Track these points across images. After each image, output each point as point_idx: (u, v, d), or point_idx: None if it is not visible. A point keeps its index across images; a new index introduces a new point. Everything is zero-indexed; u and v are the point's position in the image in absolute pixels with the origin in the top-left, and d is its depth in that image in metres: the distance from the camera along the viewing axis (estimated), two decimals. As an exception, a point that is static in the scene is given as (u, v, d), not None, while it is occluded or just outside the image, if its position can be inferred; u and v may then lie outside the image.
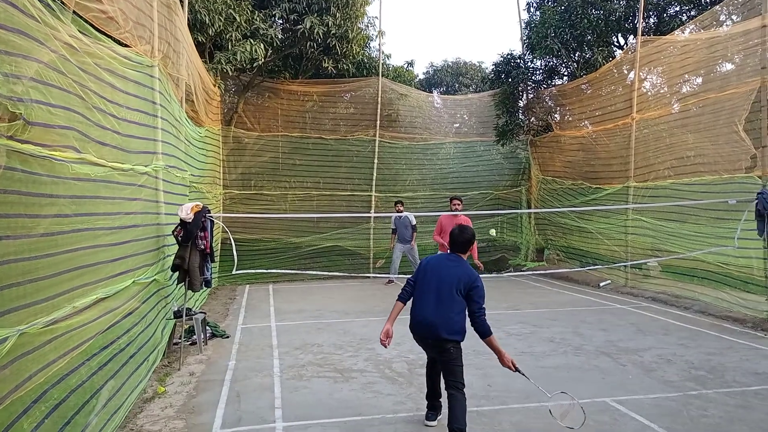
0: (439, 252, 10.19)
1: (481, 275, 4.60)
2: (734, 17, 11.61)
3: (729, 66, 10.97)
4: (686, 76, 11.69)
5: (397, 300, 4.66)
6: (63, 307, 3.81)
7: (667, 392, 5.44)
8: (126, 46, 5.63)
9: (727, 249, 8.95)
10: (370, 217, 14.67)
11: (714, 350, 6.95)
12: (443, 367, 4.46)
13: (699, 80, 11.72)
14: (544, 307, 10.12)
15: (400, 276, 13.06)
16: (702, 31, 11.38)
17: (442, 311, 4.35)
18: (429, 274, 4.54)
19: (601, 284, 12.29)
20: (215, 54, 12.10)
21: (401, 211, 12.76)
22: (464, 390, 4.36)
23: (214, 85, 12.31)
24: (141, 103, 6.03)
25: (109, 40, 5.14)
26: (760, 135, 8.69)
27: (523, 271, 15.02)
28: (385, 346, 4.54)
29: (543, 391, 4.51)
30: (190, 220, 6.55)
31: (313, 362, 6.64)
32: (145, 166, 5.99)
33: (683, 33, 12.17)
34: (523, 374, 4.45)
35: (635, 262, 11.65)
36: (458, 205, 10.22)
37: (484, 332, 4.32)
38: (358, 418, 4.88)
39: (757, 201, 8.09)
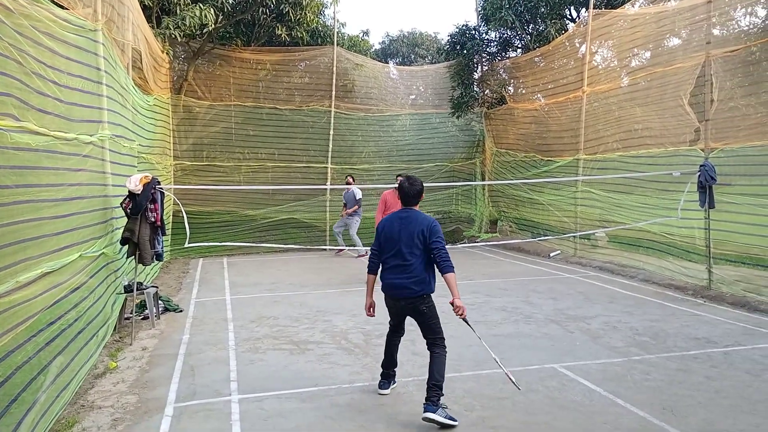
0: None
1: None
2: (683, -10, 11.90)
3: (676, 41, 11.27)
4: (635, 50, 11.96)
5: (367, 273, 4.71)
6: (6, 281, 3.67)
7: (613, 358, 5.67)
8: (65, 9, 5.34)
9: (671, 219, 9.31)
10: (326, 189, 14.57)
11: (657, 317, 7.26)
12: (422, 328, 4.52)
13: (647, 54, 12.01)
14: (496, 277, 10.34)
15: (343, 248, 13.22)
16: (651, 5, 11.62)
17: (410, 270, 4.40)
18: (388, 235, 4.54)
19: (552, 254, 12.63)
20: (163, 19, 11.65)
21: (350, 184, 12.83)
22: (444, 344, 4.46)
23: (163, 52, 11.86)
24: (84, 70, 5.77)
25: (48, 2, 4.86)
26: (703, 109, 8.99)
27: (477, 242, 15.28)
28: (372, 316, 4.76)
29: (487, 348, 4.63)
30: (139, 192, 6.37)
31: (268, 335, 6.62)
32: (90, 136, 5.76)
33: (633, 7, 12.40)
34: (470, 326, 4.53)
35: (584, 233, 12.01)
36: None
37: (445, 268, 4.34)
38: (314, 389, 4.91)
39: (699, 173, 8.41)
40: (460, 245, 14.86)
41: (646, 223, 9.99)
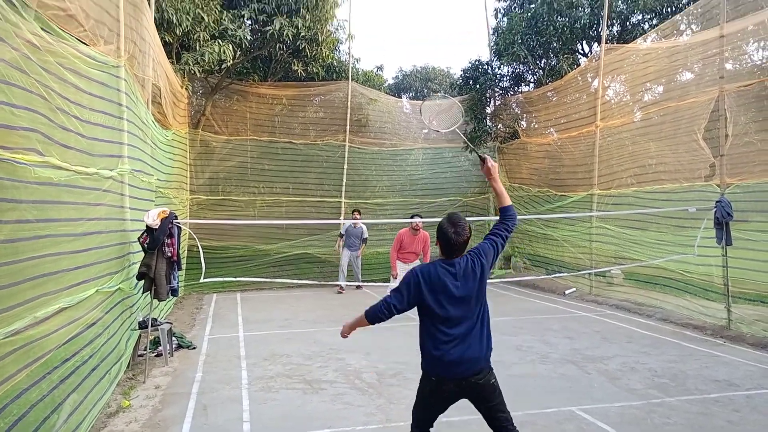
0: (404, 264, 10.11)
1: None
2: (694, 27, 11.98)
3: (689, 75, 11.29)
4: (648, 84, 11.99)
5: (365, 317, 3.70)
6: (24, 317, 3.69)
7: (632, 400, 5.54)
8: (88, 45, 5.48)
9: (688, 257, 9.19)
10: (339, 224, 14.61)
11: (675, 358, 7.12)
12: (490, 411, 3.57)
13: (660, 89, 12.04)
14: (511, 315, 10.23)
15: (348, 284, 13.13)
16: (663, 40, 11.70)
17: (474, 342, 3.59)
18: (439, 293, 3.53)
19: (567, 292, 12.49)
20: (182, 55, 11.91)
21: (357, 219, 12.78)
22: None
23: (182, 87, 12.11)
24: (106, 105, 5.88)
25: (73, 39, 4.99)
26: (718, 144, 8.94)
27: (491, 278, 15.14)
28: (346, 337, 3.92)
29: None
30: (157, 227, 6.42)
31: (281, 373, 6.56)
32: (110, 170, 5.84)
33: (645, 42, 12.50)
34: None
35: (599, 270, 11.88)
36: (419, 225, 10.12)
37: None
38: (329, 431, 4.83)
39: (715, 209, 8.33)
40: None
41: (662, 260, 9.87)
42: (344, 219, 14.67)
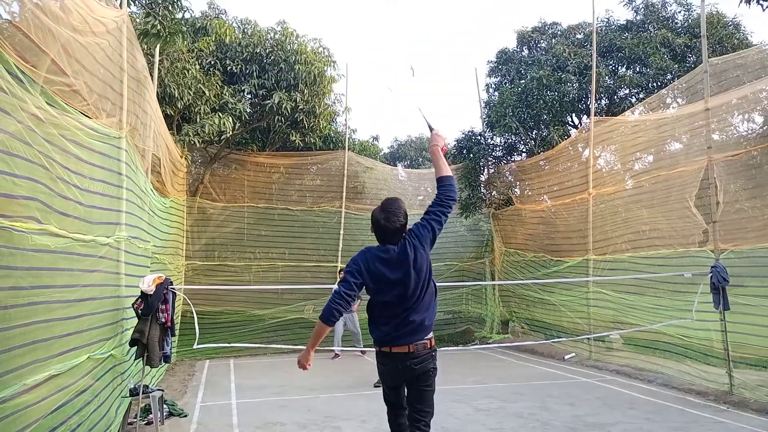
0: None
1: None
2: (680, 100, 12.39)
3: (677, 145, 11.58)
4: (638, 154, 12.28)
5: (320, 321, 3.79)
6: (13, 384, 3.62)
7: (637, 469, 5.38)
8: (90, 118, 5.64)
9: (686, 321, 9.14)
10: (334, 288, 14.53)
11: (679, 424, 6.95)
12: (416, 396, 3.74)
13: (650, 158, 12.31)
14: (510, 381, 10.03)
15: (344, 349, 12.94)
16: (650, 112, 12.08)
17: (420, 319, 3.67)
18: (378, 275, 3.71)
19: (566, 357, 12.31)
20: (183, 126, 12.22)
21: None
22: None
23: (181, 157, 12.35)
24: (106, 174, 5.99)
25: (77, 112, 5.15)
26: (710, 211, 9.08)
27: (489, 343, 14.96)
28: (306, 369, 4.08)
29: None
30: (152, 293, 6.40)
31: (275, 442, 6.37)
32: (108, 237, 5.88)
33: (633, 114, 12.89)
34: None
35: (598, 335, 11.76)
36: None
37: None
38: None
39: (711, 274, 8.36)
40: (471, 346, 14.55)
41: (660, 325, 9.80)
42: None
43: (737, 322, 8.41)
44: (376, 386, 9.03)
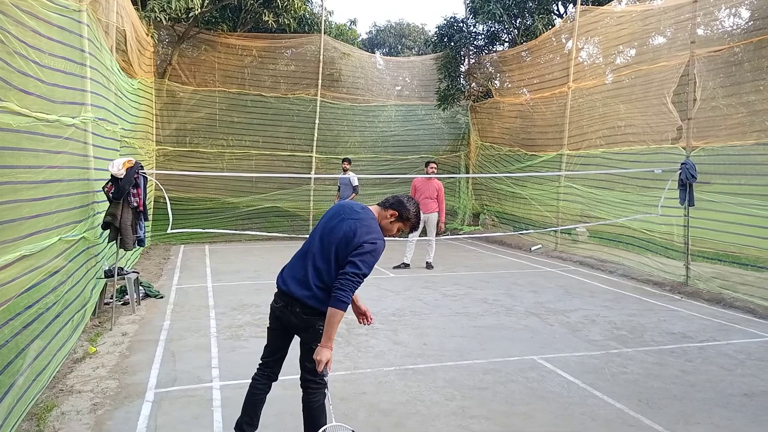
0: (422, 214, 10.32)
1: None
2: (669, -10, 11.99)
3: (661, 39, 11.37)
4: (621, 47, 12.04)
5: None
6: (-18, 262, 3.62)
7: (591, 351, 5.75)
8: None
9: (651, 216, 9.43)
10: (310, 178, 14.52)
11: (635, 311, 7.38)
12: (304, 351, 3.35)
13: (632, 52, 12.10)
14: (478, 270, 10.41)
15: None
16: (638, 3, 11.71)
17: (317, 274, 3.27)
18: (321, 223, 3.45)
19: (533, 248, 12.74)
20: (148, 2, 11.47)
21: (346, 170, 12.66)
22: (326, 385, 3.30)
23: (147, 35, 11.70)
24: (68, 51, 5.66)
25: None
26: (686, 108, 9.09)
27: (459, 234, 15.36)
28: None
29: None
30: (122, 176, 6.30)
31: (251, 323, 6.61)
32: (73, 118, 5.66)
33: (620, 4, 12.48)
34: (326, 380, 3.27)
35: (565, 228, 12.13)
36: (434, 168, 10.57)
37: (337, 299, 3.07)
38: (296, 377, 4.89)
39: (680, 171, 8.52)
40: (442, 237, 14.93)
41: (626, 219, 10.12)
42: (315, 174, 14.58)
43: (700, 218, 8.71)
44: None
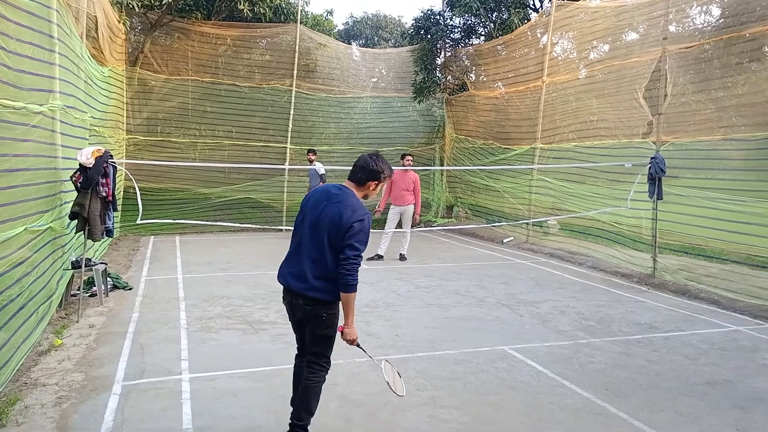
0: (397, 207, 10.38)
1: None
2: (642, -13, 12.15)
3: (634, 35, 11.53)
4: (594, 42, 12.19)
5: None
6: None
7: (560, 341, 5.84)
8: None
9: (621, 209, 9.60)
10: (284, 169, 14.41)
11: (603, 303, 7.51)
12: (310, 337, 3.53)
13: (606, 47, 12.26)
14: (451, 262, 10.48)
15: None
16: (612, -1, 11.85)
17: (312, 266, 3.42)
18: (304, 212, 3.55)
19: (505, 240, 12.87)
20: (119, -13, 11.23)
21: (312, 160, 12.66)
22: (328, 369, 3.58)
23: (119, 22, 11.47)
24: (36, 37, 5.51)
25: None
26: (657, 103, 9.24)
27: (433, 226, 15.43)
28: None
29: (375, 361, 3.93)
30: (91, 166, 6.17)
31: (221, 314, 6.56)
32: (40, 105, 5.53)
33: (594, 0, 12.61)
34: (364, 350, 3.72)
35: (536, 220, 12.29)
36: (410, 161, 10.51)
37: (346, 284, 3.33)
38: (268, 368, 4.90)
39: (650, 165, 8.67)
40: (416, 229, 14.98)
41: (596, 212, 10.28)
42: (290, 165, 14.48)
43: (667, 211, 8.88)
44: None
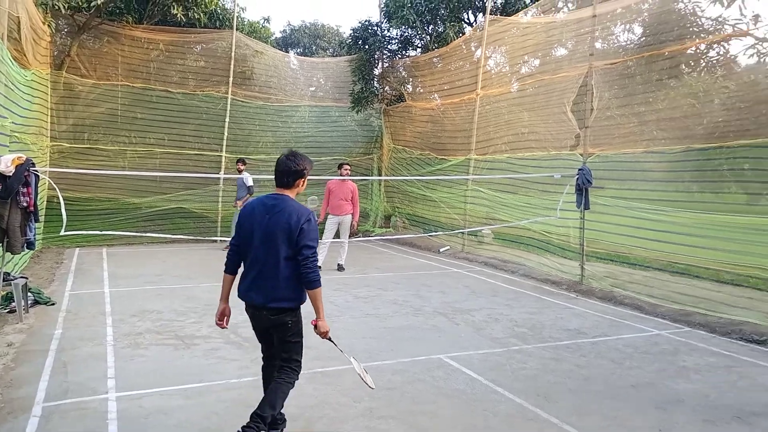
0: (335, 217, 10.35)
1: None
2: (570, 5, 12.70)
3: (563, 51, 12.00)
4: (526, 57, 12.60)
5: (224, 273, 3.80)
6: None
7: (494, 348, 5.98)
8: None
9: (550, 219, 9.94)
10: (219, 178, 14.11)
11: (534, 310, 7.74)
12: (279, 344, 3.71)
13: (536, 62, 12.69)
14: (389, 272, 10.55)
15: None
16: (542, 15, 12.30)
17: (270, 277, 3.56)
18: (249, 228, 3.64)
19: (441, 250, 13.07)
20: (44, -13, 10.73)
21: (241, 171, 12.48)
22: (299, 372, 3.77)
23: (44, 23, 10.95)
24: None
25: None
26: (584, 117, 9.65)
27: (371, 236, 15.48)
28: (224, 328, 3.90)
29: (346, 356, 4.10)
30: (11, 174, 5.89)
31: (151, 329, 6.33)
32: (-49, 110, 5.21)
33: (526, 15, 13.06)
34: (335, 344, 3.92)
35: (471, 230, 12.55)
36: (348, 170, 10.50)
37: (311, 282, 3.54)
38: (200, 385, 4.76)
39: (577, 176, 9.03)
40: (354, 239, 14.98)
41: (527, 221, 10.60)
42: (225, 174, 14.19)
43: (594, 221, 9.27)
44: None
